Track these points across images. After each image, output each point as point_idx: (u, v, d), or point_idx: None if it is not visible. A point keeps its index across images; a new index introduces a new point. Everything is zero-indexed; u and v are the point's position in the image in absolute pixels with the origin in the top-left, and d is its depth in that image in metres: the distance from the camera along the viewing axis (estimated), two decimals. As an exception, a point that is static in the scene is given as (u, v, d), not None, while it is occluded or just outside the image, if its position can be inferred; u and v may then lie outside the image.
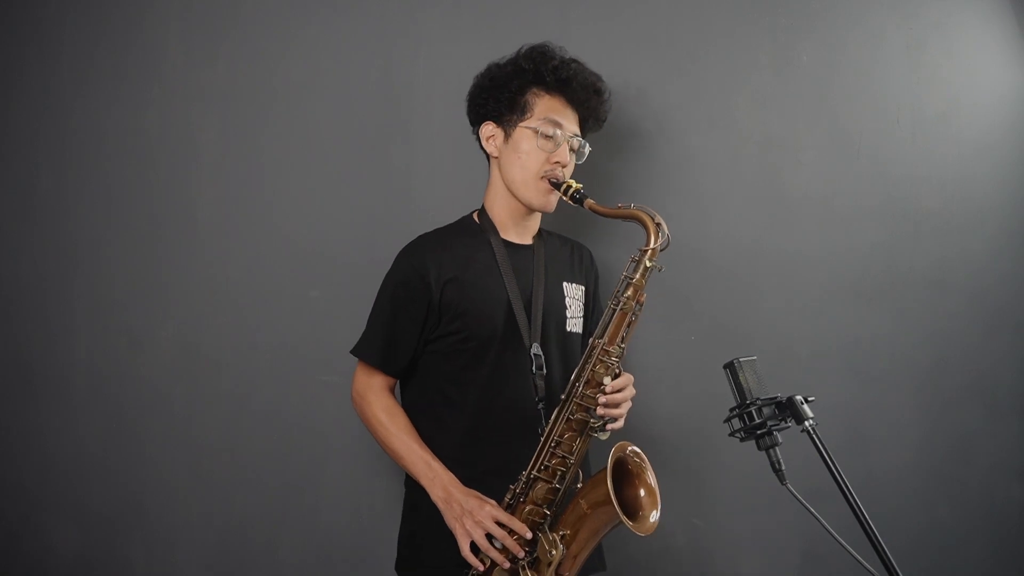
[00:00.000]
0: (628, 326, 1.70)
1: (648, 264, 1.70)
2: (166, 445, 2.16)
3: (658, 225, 1.70)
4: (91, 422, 2.17)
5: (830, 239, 2.22)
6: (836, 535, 1.40)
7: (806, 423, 1.46)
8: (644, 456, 1.68)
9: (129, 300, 2.18)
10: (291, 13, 2.20)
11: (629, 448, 1.66)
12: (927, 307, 2.24)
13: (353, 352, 1.84)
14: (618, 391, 1.68)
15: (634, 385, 1.75)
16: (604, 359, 1.68)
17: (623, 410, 1.71)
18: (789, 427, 1.50)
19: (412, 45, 2.20)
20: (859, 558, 1.38)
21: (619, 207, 1.73)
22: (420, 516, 1.78)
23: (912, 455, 2.22)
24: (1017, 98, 2.28)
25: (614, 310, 1.70)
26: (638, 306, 1.71)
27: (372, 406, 1.81)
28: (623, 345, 1.70)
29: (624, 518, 1.56)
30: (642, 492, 1.66)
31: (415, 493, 1.79)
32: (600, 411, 1.67)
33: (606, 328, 1.70)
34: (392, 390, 1.85)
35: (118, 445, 2.16)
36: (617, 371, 1.70)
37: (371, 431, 1.83)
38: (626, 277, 1.71)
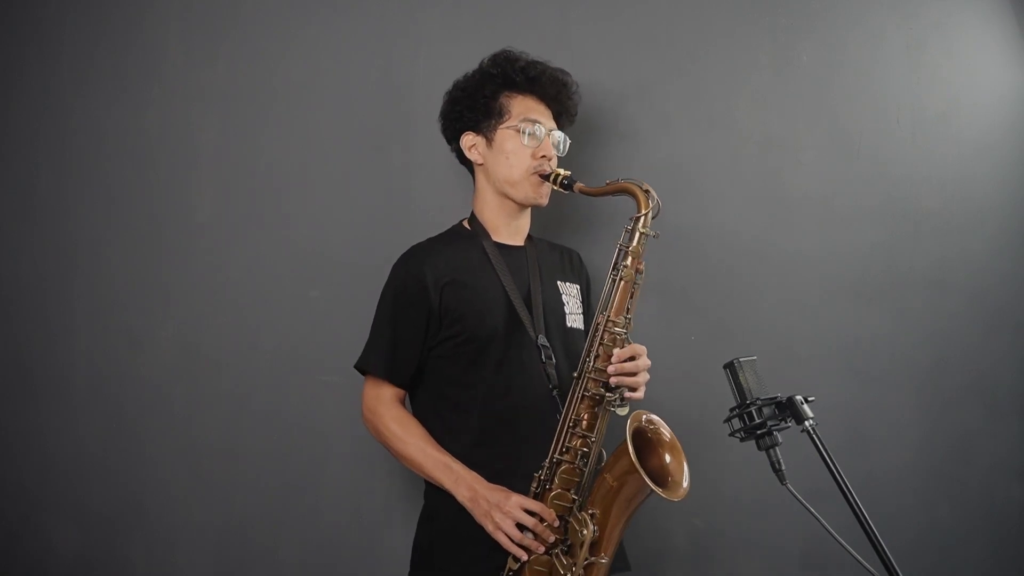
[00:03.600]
0: (631, 297, 1.71)
1: (642, 231, 1.71)
2: (166, 445, 2.16)
3: (646, 192, 1.73)
4: (91, 422, 2.17)
5: (830, 239, 2.22)
6: (836, 535, 1.40)
7: (806, 423, 1.46)
8: (658, 420, 1.66)
9: (129, 300, 2.18)
10: (291, 13, 2.20)
11: (644, 417, 1.65)
12: (927, 307, 2.23)
13: (357, 367, 1.83)
14: (629, 360, 1.67)
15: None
16: (612, 330, 1.69)
17: (640, 379, 1.70)
18: (789, 427, 1.50)
19: (412, 45, 2.20)
20: (859, 558, 1.38)
21: (607, 183, 1.76)
22: (438, 525, 1.77)
23: (912, 455, 2.22)
24: (1017, 98, 2.28)
25: (615, 281, 1.71)
26: (638, 275, 1.71)
27: (383, 418, 1.79)
28: (629, 316, 1.71)
29: (652, 485, 1.54)
30: (667, 458, 1.64)
31: (435, 502, 1.77)
32: (613, 380, 1.66)
33: (610, 300, 1.71)
34: (402, 402, 1.83)
35: (118, 445, 2.16)
36: (625, 343, 1.69)
37: (385, 445, 1.81)
38: (622, 247, 1.72)
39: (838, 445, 1.53)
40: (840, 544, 1.40)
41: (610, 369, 1.66)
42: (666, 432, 1.65)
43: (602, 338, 1.69)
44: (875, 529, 1.38)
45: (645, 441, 1.64)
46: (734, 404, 1.53)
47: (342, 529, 2.16)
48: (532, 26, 2.14)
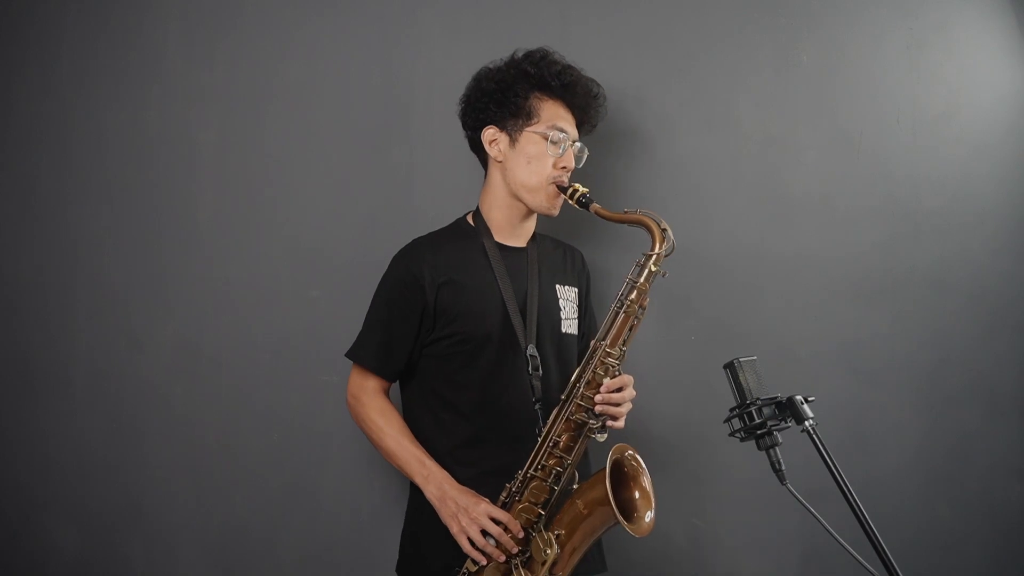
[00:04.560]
0: (630, 329, 1.71)
1: (653, 269, 1.70)
2: (166, 445, 2.16)
3: (664, 231, 1.71)
4: (91, 422, 2.17)
5: (830, 239, 2.22)
6: (836, 535, 1.40)
7: (806, 423, 1.46)
8: (641, 460, 1.68)
9: (129, 300, 2.18)
10: (291, 13, 2.20)
11: (628, 452, 1.67)
12: (927, 307, 2.23)
13: (348, 355, 1.85)
14: (616, 391, 1.68)
15: (635, 385, 1.75)
16: (605, 360, 1.69)
17: (623, 410, 1.71)
18: (789, 427, 1.50)
19: (412, 45, 2.20)
20: (859, 558, 1.38)
21: (625, 212, 1.74)
22: (423, 517, 1.78)
23: (912, 455, 2.22)
24: (1017, 98, 2.28)
25: (617, 312, 1.70)
26: (641, 310, 1.71)
27: (366, 408, 1.82)
28: (624, 348, 1.71)
29: (620, 518, 1.56)
30: (637, 495, 1.66)
31: (419, 494, 1.78)
32: (598, 409, 1.67)
33: (608, 330, 1.70)
34: (387, 393, 1.86)
35: (118, 445, 2.16)
36: (616, 373, 1.70)
37: (365, 433, 1.84)
38: (630, 280, 1.71)
39: (838, 445, 1.53)
40: (840, 544, 1.40)
41: (597, 398, 1.67)
42: (646, 479, 1.67)
43: (595, 366, 1.69)
44: (875, 529, 1.38)
45: (621, 474, 1.66)
46: (734, 404, 1.53)
47: (342, 529, 2.16)
48: (532, 26, 2.14)
